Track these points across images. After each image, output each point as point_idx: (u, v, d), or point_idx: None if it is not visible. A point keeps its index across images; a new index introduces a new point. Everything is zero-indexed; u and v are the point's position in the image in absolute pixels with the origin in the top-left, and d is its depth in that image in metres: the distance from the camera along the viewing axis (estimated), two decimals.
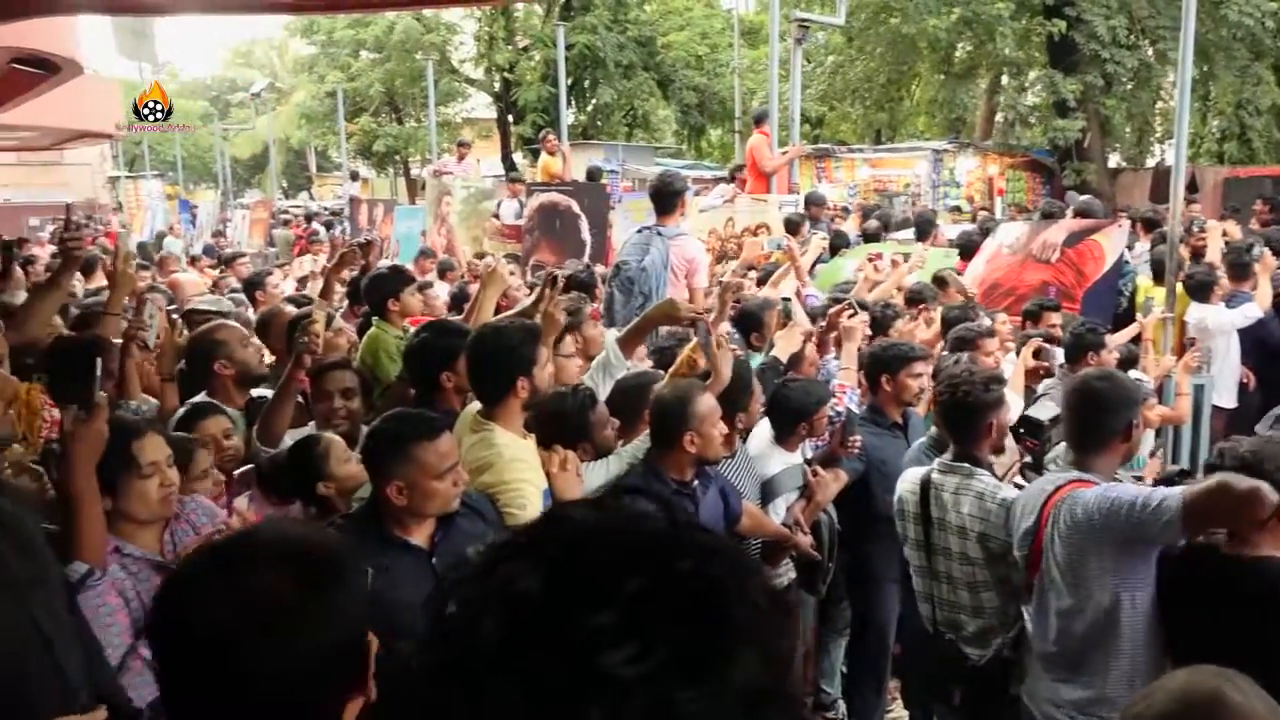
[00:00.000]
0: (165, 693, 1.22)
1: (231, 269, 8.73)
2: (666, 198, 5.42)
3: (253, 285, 6.40)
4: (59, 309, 3.85)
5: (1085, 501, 2.56)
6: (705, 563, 0.59)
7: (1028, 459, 3.50)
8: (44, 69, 9.62)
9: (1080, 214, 7.24)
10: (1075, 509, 2.57)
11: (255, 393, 3.71)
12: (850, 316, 4.43)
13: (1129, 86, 16.20)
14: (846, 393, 4.19)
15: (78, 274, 5.47)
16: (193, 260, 13.91)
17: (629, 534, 0.60)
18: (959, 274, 6.52)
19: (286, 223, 18.08)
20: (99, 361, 2.44)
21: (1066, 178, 15.99)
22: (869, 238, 8.35)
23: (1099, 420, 2.77)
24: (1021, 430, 3.48)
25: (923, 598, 3.26)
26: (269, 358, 4.43)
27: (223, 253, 12.49)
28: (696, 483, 3.20)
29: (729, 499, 3.34)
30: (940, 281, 6.01)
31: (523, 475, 2.78)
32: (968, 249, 7.33)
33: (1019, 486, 3.20)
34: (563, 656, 0.55)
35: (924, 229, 8.26)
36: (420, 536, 2.49)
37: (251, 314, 5.85)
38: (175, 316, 3.95)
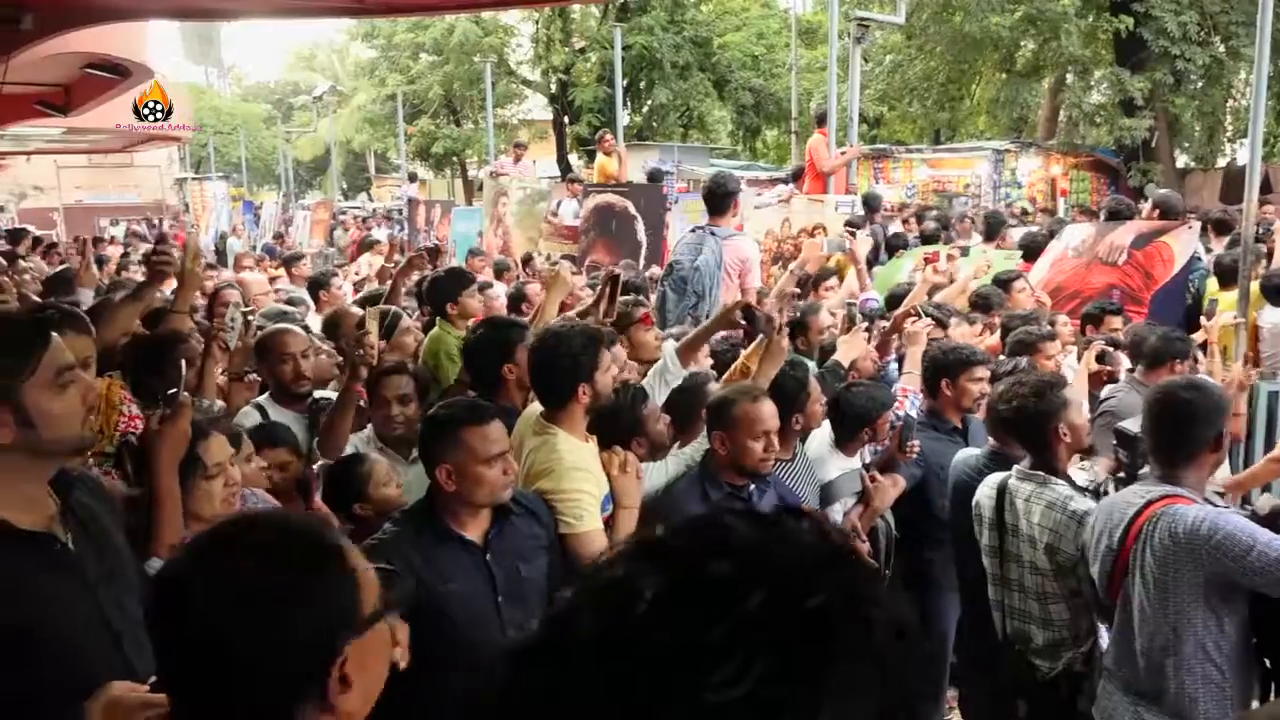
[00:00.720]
0: (159, 669, 1.25)
1: (290, 270, 8.89)
2: (720, 198, 5.43)
3: (317, 285, 6.50)
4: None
5: (1189, 522, 2.45)
6: (834, 590, 0.56)
7: (1120, 473, 3.41)
8: (116, 73, 9.90)
9: (1159, 208, 7.03)
10: (1175, 527, 2.47)
11: (319, 394, 3.75)
12: (914, 321, 4.37)
13: (1199, 84, 15.77)
14: (909, 397, 4.13)
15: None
16: (255, 261, 14.22)
17: (765, 549, 0.58)
18: (1024, 277, 6.38)
19: (345, 226, 18.41)
20: (184, 362, 2.51)
21: (1132, 178, 15.61)
22: (927, 239, 8.22)
23: (1187, 432, 2.66)
24: (1114, 443, 3.39)
25: (995, 606, 3.19)
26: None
27: (283, 253, 12.74)
28: (752, 486, 3.17)
29: (786, 501, 3.31)
30: (1004, 284, 5.90)
31: (581, 485, 2.78)
32: (1032, 251, 7.18)
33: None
34: (651, 665, 0.53)
35: (993, 230, 8.09)
36: (474, 531, 2.52)
37: (313, 315, 5.96)
38: (251, 318, 4.03)
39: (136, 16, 8.62)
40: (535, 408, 3.07)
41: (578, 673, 0.56)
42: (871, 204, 9.23)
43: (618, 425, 3.10)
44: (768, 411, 3.10)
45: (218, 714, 1.17)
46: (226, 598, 1.15)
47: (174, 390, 2.34)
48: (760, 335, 3.61)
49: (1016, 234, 8.59)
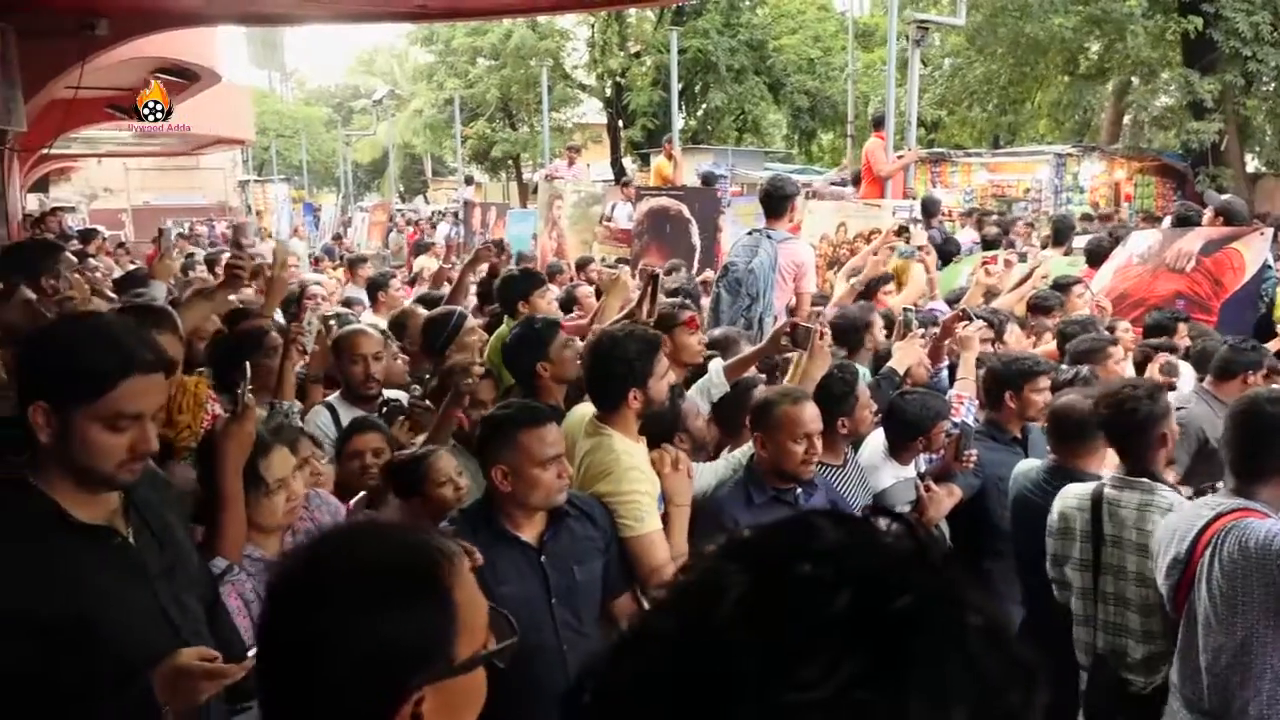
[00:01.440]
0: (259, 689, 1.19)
1: (354, 271, 9.03)
2: (776, 201, 5.43)
3: (376, 286, 6.60)
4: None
5: (1260, 536, 2.37)
6: (924, 592, 0.55)
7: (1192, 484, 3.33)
8: (184, 78, 10.17)
9: (1222, 214, 6.83)
10: (1247, 540, 2.39)
11: (388, 393, 3.79)
12: (965, 325, 4.30)
13: (1271, 86, 15.31)
14: (964, 404, 4.06)
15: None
16: (315, 261, 14.49)
17: (852, 550, 0.57)
18: (1085, 282, 6.24)
19: (399, 228, 18.67)
20: (247, 365, 2.56)
21: (1200, 183, 15.19)
22: (988, 244, 8.08)
23: (1269, 446, 2.57)
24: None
25: (1081, 621, 3.08)
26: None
27: (344, 254, 12.95)
28: (799, 490, 3.14)
29: (837, 506, 3.28)
30: (1062, 289, 5.78)
31: (640, 486, 2.78)
32: (1095, 256, 7.02)
33: None
34: (731, 664, 0.53)
35: (1060, 234, 7.90)
36: (529, 533, 2.53)
37: (368, 315, 6.05)
38: (332, 321, 4.11)
39: (205, 22, 8.84)
40: (586, 408, 3.08)
41: (658, 672, 0.55)
42: (930, 208, 9.11)
43: (660, 423, 3.10)
44: (809, 414, 3.06)
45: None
46: (311, 597, 1.10)
47: (241, 391, 2.38)
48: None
49: (1079, 240, 8.42)
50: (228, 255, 3.98)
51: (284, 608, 1.13)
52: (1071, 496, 3.12)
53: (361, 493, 3.17)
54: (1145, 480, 2.94)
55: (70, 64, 7.11)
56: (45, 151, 11.37)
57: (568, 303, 6.26)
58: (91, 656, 1.71)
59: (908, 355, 4.17)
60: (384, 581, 1.09)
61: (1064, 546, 3.13)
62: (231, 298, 4.04)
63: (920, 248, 6.75)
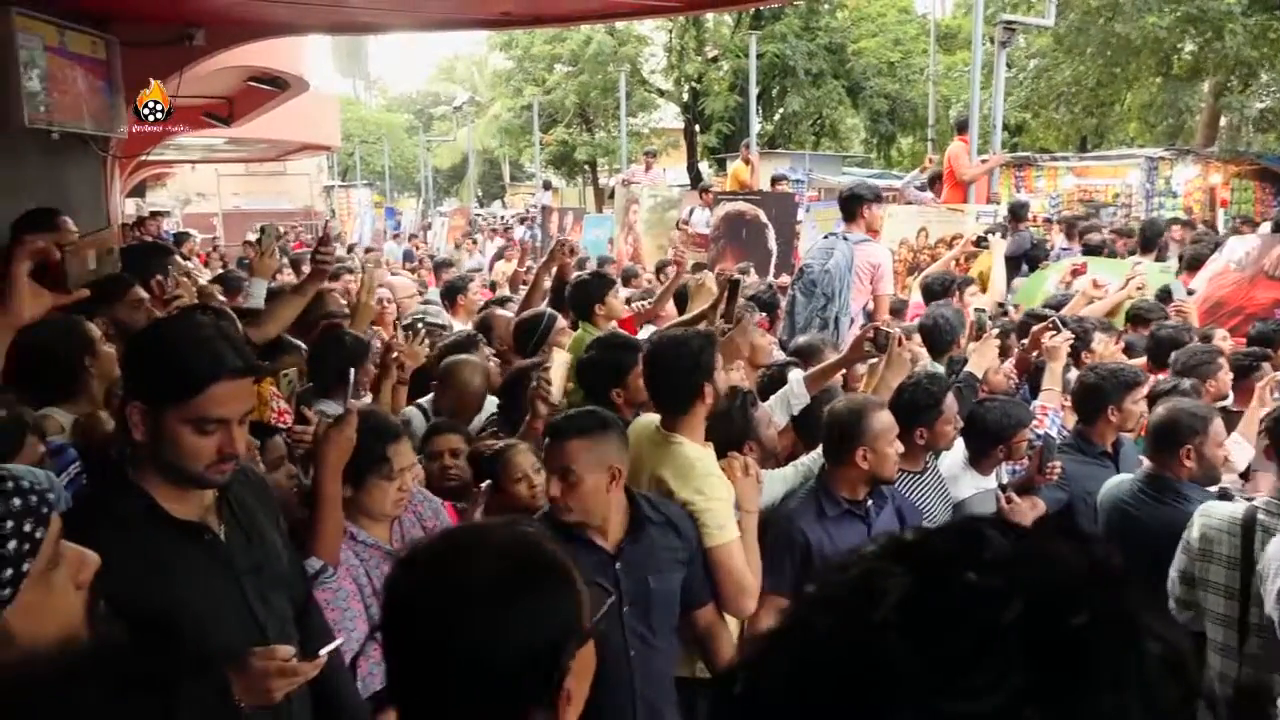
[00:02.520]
0: (390, 675, 1.27)
1: (439, 275, 9.20)
2: (851, 204, 5.43)
3: (454, 290, 6.69)
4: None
5: None
6: (1102, 612, 0.52)
7: None
8: (275, 86, 10.47)
9: None
10: None
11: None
12: (1053, 335, 4.18)
13: None
14: (1049, 415, 3.95)
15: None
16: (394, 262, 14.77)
17: (1026, 561, 0.55)
18: (1185, 290, 6.02)
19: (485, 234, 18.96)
20: (353, 371, 2.62)
21: None
22: (1091, 250, 7.83)
23: None
24: None
25: (1220, 649, 2.90)
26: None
27: (424, 257, 13.20)
28: (870, 502, 3.10)
29: (905, 519, 3.21)
30: (1165, 298, 5.58)
31: (719, 493, 2.76)
32: (1195, 262, 6.76)
33: None
34: (887, 669, 0.51)
35: (1149, 239, 7.64)
36: (605, 538, 2.51)
37: (446, 318, 6.14)
38: (420, 326, 4.20)
39: (296, 31, 9.09)
40: (649, 418, 3.05)
41: (815, 669, 0.54)
42: (1018, 211, 8.88)
43: (730, 430, 3.07)
44: (890, 417, 3.09)
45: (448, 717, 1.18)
46: (470, 602, 1.16)
47: (348, 396, 2.44)
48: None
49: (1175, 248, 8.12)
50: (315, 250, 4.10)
51: (441, 623, 1.16)
52: (1217, 517, 2.92)
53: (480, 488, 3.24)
54: None
55: (169, 73, 7.37)
56: (143, 158, 11.81)
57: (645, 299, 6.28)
58: (178, 650, 1.75)
59: (984, 358, 4.06)
60: (538, 575, 1.19)
61: (1202, 568, 2.92)
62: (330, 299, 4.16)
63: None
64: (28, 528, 1.09)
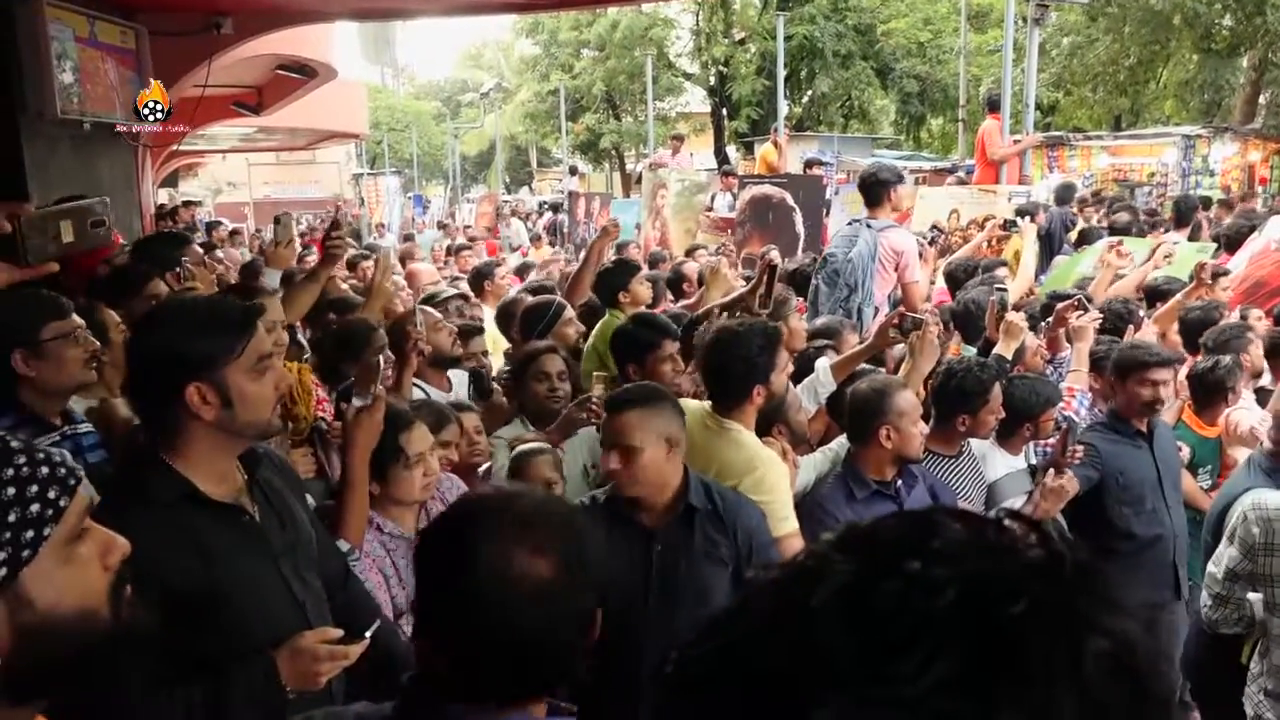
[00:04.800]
0: (416, 631, 1.32)
1: (458, 260, 9.23)
2: (873, 189, 5.28)
3: (481, 276, 6.70)
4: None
5: None
6: (1042, 604, 0.50)
7: None
8: (303, 74, 10.52)
9: None
10: None
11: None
12: (1080, 314, 4.11)
13: None
14: (1076, 396, 3.89)
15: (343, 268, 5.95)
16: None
17: (971, 547, 0.53)
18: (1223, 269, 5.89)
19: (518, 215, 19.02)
20: (379, 360, 2.64)
21: None
22: (1116, 230, 7.71)
23: None
24: None
25: None
26: (504, 344, 4.63)
27: (450, 244, 13.23)
28: (900, 482, 3.07)
29: (939, 498, 3.18)
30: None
31: (784, 484, 2.74)
32: (1234, 241, 6.62)
33: None
34: (815, 654, 0.50)
35: (1184, 215, 7.48)
36: (654, 520, 2.50)
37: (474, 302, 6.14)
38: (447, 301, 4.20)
39: (323, 18, 9.12)
40: (695, 403, 3.02)
41: (741, 649, 0.53)
42: (1063, 195, 8.70)
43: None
44: (913, 396, 3.09)
45: (501, 687, 1.24)
46: (525, 592, 1.21)
47: (377, 381, 2.46)
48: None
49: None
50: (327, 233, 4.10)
51: (495, 612, 1.22)
52: (1274, 508, 2.82)
53: (486, 464, 3.25)
54: None
55: (197, 62, 7.43)
56: (175, 148, 11.92)
57: (675, 281, 6.25)
58: (223, 632, 1.77)
59: (1012, 338, 4.01)
60: (572, 566, 1.25)
61: (1265, 563, 2.81)
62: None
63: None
64: (52, 494, 1.11)
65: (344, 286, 5.61)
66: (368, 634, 1.87)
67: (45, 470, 1.12)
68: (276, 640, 1.80)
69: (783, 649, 0.51)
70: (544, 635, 1.22)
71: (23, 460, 1.11)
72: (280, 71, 10.38)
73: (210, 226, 13.27)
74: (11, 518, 1.07)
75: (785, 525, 2.69)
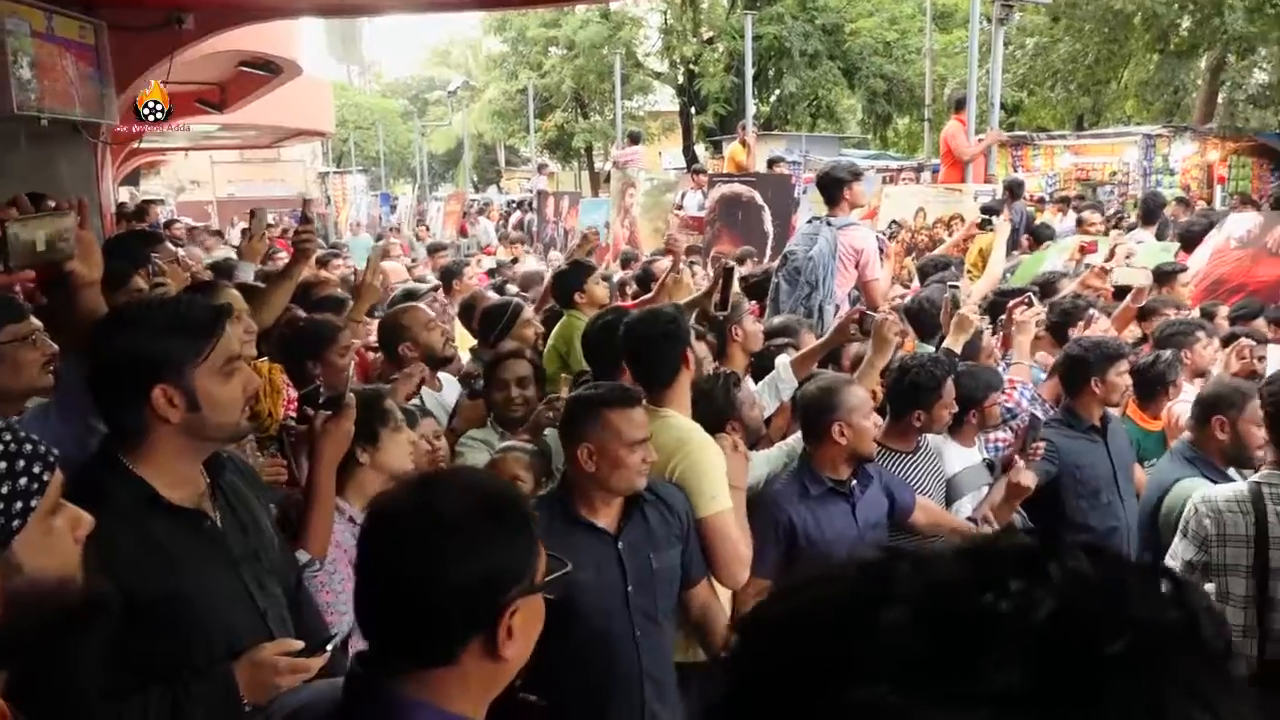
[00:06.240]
0: (356, 603, 1.36)
1: (433, 258, 9.21)
2: (830, 187, 5.31)
3: (449, 275, 6.68)
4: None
5: None
6: (1132, 650, 0.47)
7: None
8: (267, 71, 10.41)
9: None
10: None
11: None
12: (1024, 309, 4.17)
13: None
14: (1018, 389, 3.95)
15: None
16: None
17: (1088, 580, 0.50)
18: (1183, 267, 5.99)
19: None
20: (351, 365, 2.62)
21: None
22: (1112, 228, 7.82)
23: None
24: None
25: (1241, 631, 2.85)
26: (470, 340, 4.63)
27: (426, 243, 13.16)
28: (854, 482, 3.09)
29: (895, 494, 3.21)
30: (1164, 277, 5.55)
31: (714, 463, 2.75)
32: (1188, 239, 6.75)
33: None
34: (859, 638, 0.49)
35: (1151, 212, 7.59)
36: (606, 519, 2.52)
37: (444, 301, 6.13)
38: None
39: (286, 14, 9.03)
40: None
41: (801, 625, 0.52)
42: (1014, 190, 8.84)
43: (713, 410, 3.07)
44: (865, 394, 3.12)
45: (394, 641, 1.28)
46: (427, 525, 1.27)
47: (344, 388, 2.44)
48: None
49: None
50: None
51: (398, 541, 1.29)
52: (1224, 499, 2.88)
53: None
54: None
55: (159, 59, 7.32)
56: (135, 145, 11.74)
57: (645, 279, 6.28)
58: (182, 638, 1.75)
59: (961, 333, 4.05)
60: (487, 513, 1.30)
61: (1219, 553, 2.86)
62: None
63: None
64: (37, 469, 1.23)
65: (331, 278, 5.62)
66: (329, 647, 1.85)
67: (29, 447, 1.23)
68: (236, 648, 1.78)
69: (847, 623, 0.50)
70: (424, 580, 1.24)
71: (9, 438, 1.22)
72: (244, 68, 10.25)
73: (167, 224, 13.06)
74: (4, 489, 1.19)
75: (714, 504, 2.71)
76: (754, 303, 5.21)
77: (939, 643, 0.47)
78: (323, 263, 7.53)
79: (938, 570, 0.51)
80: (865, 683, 0.47)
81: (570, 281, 4.61)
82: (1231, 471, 3.35)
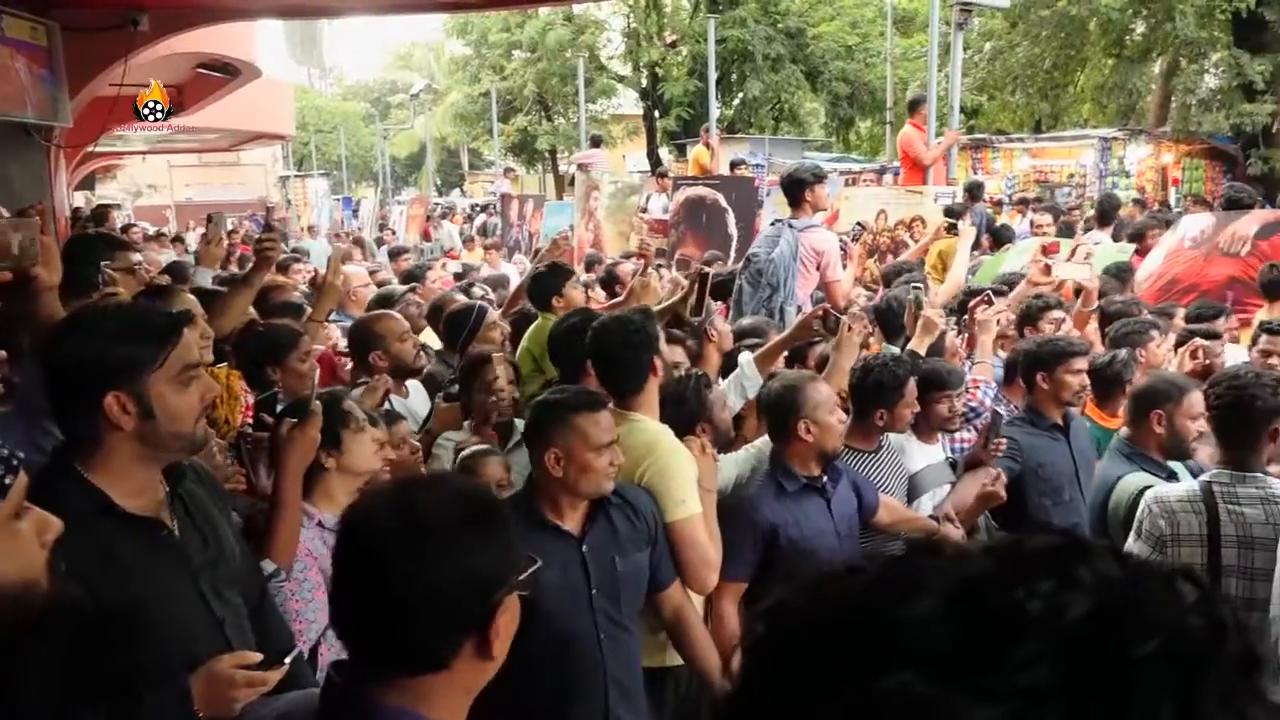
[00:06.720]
0: (333, 606, 1.35)
1: (394, 262, 9.14)
2: (792, 189, 5.37)
3: (411, 278, 6.63)
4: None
5: None
6: (1165, 652, 0.47)
7: None
8: (226, 73, 10.28)
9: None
10: None
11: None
12: (985, 309, 4.22)
13: None
14: (980, 388, 3.99)
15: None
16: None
17: (1116, 583, 0.51)
18: (1134, 268, 6.11)
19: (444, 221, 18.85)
20: (315, 374, 2.59)
21: (1252, 166, 14.81)
22: (1070, 231, 7.93)
23: None
24: None
25: None
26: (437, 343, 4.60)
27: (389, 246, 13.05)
28: (825, 478, 3.10)
29: (862, 492, 3.23)
30: (1119, 275, 5.65)
31: (682, 468, 2.75)
32: (1136, 238, 6.88)
33: None
34: (885, 623, 0.49)
35: (1107, 213, 7.71)
36: (571, 522, 2.51)
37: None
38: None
39: (244, 16, 8.92)
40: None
41: (831, 615, 0.52)
42: (974, 191, 8.95)
43: (684, 412, 3.07)
44: (830, 390, 3.14)
45: (382, 651, 1.27)
46: (411, 533, 1.26)
47: (310, 396, 2.39)
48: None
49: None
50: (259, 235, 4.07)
51: (382, 551, 1.27)
52: (1176, 498, 2.90)
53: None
54: (1258, 474, 2.78)
55: (113, 60, 7.19)
56: (90, 149, 11.54)
57: (609, 281, 6.27)
58: (138, 649, 1.71)
59: (926, 334, 4.09)
60: (469, 517, 1.30)
61: (1174, 553, 2.88)
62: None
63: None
64: None
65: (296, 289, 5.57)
66: (287, 659, 1.82)
67: None
68: (193, 658, 1.74)
69: (875, 614, 0.50)
70: (417, 587, 1.24)
71: None
72: (201, 70, 10.11)
73: (124, 229, 12.85)
74: None
75: (683, 509, 2.70)
76: (720, 303, 5.24)
77: (969, 636, 0.47)
78: (283, 268, 7.45)
79: (967, 567, 0.51)
80: (893, 672, 0.47)
81: (548, 285, 4.58)
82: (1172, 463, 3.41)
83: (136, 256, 4.21)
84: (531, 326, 4.49)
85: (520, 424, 3.10)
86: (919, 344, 4.01)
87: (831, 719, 0.48)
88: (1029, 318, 4.60)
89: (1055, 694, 0.45)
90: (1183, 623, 0.49)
